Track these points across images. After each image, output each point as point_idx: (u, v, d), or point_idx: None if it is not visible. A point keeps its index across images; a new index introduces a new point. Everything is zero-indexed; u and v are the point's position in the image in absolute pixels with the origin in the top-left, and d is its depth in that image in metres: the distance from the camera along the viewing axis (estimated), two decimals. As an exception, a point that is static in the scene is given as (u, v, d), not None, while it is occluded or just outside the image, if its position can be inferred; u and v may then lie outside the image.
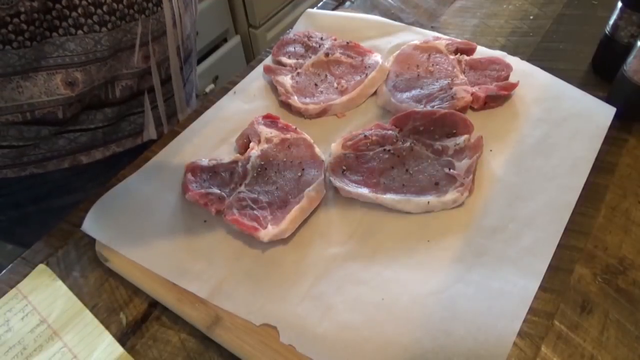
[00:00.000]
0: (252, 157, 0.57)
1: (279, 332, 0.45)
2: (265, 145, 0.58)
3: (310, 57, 0.69)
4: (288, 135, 0.59)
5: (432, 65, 0.66)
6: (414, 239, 0.51)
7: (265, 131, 0.59)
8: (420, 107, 0.61)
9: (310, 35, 0.73)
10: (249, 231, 0.51)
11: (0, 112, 0.57)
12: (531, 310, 0.45)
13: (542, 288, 0.46)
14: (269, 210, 0.52)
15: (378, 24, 0.75)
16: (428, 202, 0.52)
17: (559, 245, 0.49)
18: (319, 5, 0.84)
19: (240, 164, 0.57)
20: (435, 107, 0.61)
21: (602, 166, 0.56)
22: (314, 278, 0.48)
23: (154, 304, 0.49)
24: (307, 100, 0.65)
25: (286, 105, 0.65)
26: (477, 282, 0.47)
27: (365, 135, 0.58)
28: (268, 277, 0.49)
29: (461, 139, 0.56)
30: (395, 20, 0.77)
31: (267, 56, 0.73)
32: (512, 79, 0.64)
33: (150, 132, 0.72)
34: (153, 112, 0.71)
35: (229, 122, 0.64)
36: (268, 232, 0.50)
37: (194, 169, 0.57)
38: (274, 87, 0.67)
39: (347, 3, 0.84)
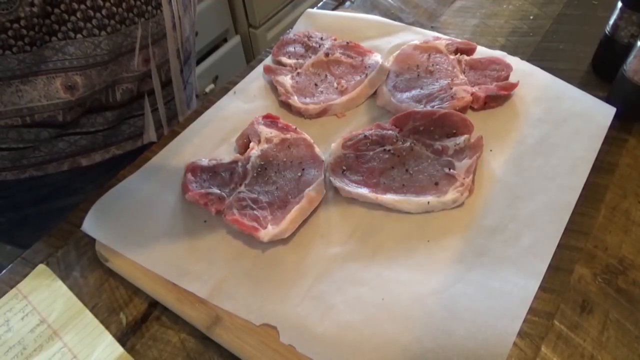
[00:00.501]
0: (252, 157, 0.57)
1: (279, 332, 0.45)
2: (265, 145, 0.58)
3: (310, 57, 0.69)
4: (288, 135, 0.59)
5: (432, 65, 0.66)
6: (414, 239, 0.51)
7: (265, 131, 0.59)
8: (420, 107, 0.61)
9: (310, 35, 0.73)
10: (249, 231, 0.51)
11: (0, 116, 0.57)
12: (531, 310, 0.45)
13: (542, 288, 0.46)
14: (269, 210, 0.52)
15: (378, 24, 0.75)
16: (428, 202, 0.52)
17: (559, 245, 0.49)
18: (319, 5, 0.84)
19: (240, 164, 0.57)
20: (435, 107, 0.61)
21: (602, 166, 0.56)
22: (314, 278, 0.48)
23: (154, 304, 0.49)
24: (307, 100, 0.65)
25: (286, 105, 0.65)
26: (477, 282, 0.47)
27: (365, 135, 0.58)
28: (268, 277, 0.49)
29: (461, 139, 0.56)
30: (395, 20, 0.77)
31: (267, 56, 0.73)
32: (512, 79, 0.64)
33: (151, 135, 0.72)
34: (153, 114, 0.71)
35: (229, 122, 0.64)
36: (268, 232, 0.50)
37: (194, 169, 0.57)
38: (274, 87, 0.67)
39: (347, 3, 0.84)
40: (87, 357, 0.46)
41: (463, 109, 0.61)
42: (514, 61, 0.67)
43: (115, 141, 0.69)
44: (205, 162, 0.57)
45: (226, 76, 1.33)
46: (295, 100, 0.64)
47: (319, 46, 0.71)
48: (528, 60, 0.67)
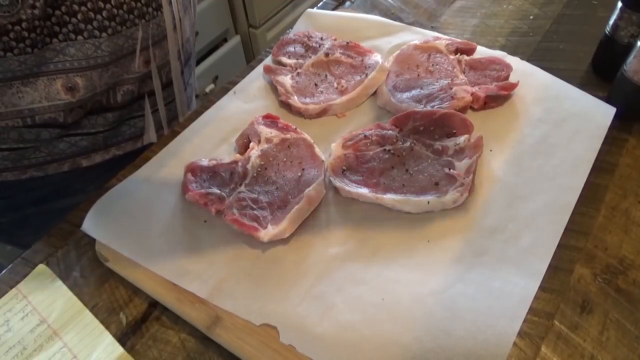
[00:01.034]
0: (252, 157, 0.57)
1: (279, 332, 0.45)
2: (265, 145, 0.58)
3: (310, 57, 0.69)
4: (288, 135, 0.59)
5: (432, 65, 0.66)
6: (414, 239, 0.51)
7: (265, 131, 0.59)
8: (420, 107, 0.61)
9: (310, 35, 0.73)
10: (249, 231, 0.51)
11: (1, 117, 0.57)
12: (531, 310, 0.45)
13: (542, 288, 0.46)
14: (269, 210, 0.52)
15: (378, 24, 0.75)
16: (428, 202, 0.52)
17: (559, 245, 0.49)
18: (319, 5, 0.84)
19: (240, 164, 0.57)
20: (435, 107, 0.61)
21: (602, 166, 0.56)
22: (314, 278, 0.48)
23: (154, 304, 0.49)
24: (307, 100, 0.65)
25: (286, 105, 0.65)
26: (477, 282, 0.47)
27: (365, 135, 0.58)
28: (268, 277, 0.49)
29: (461, 139, 0.56)
30: (395, 20, 0.77)
31: (267, 56, 0.73)
32: (512, 79, 0.64)
33: (151, 136, 0.72)
34: (153, 115, 0.71)
35: (229, 122, 0.64)
36: (268, 232, 0.50)
37: (194, 169, 0.57)
38: (274, 87, 0.67)
39: (347, 3, 0.84)
40: (87, 357, 0.46)
41: (463, 109, 0.61)
42: (514, 61, 0.67)
43: (115, 142, 0.69)
44: (205, 162, 0.57)
45: (226, 76, 1.33)
46: (295, 100, 0.64)
47: (319, 46, 0.71)
48: (528, 60, 0.67)
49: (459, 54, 0.68)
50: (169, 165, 0.59)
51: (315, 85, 0.66)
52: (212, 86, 1.49)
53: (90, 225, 0.53)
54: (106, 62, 0.59)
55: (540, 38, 0.74)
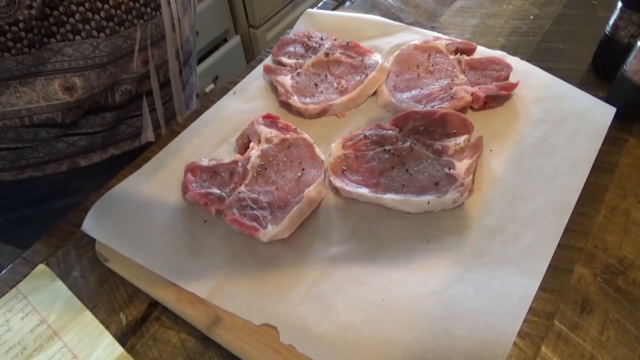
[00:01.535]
0: (252, 157, 0.57)
1: (279, 332, 0.45)
2: (265, 145, 0.58)
3: (310, 57, 0.69)
4: (288, 135, 0.59)
5: (432, 65, 0.66)
6: (414, 239, 0.51)
7: (265, 131, 0.59)
8: (420, 107, 0.61)
9: (310, 35, 0.73)
10: (249, 231, 0.51)
11: None
12: (531, 310, 0.45)
13: (542, 288, 0.46)
14: (269, 210, 0.52)
15: (378, 24, 0.75)
16: (428, 202, 0.52)
17: (559, 245, 0.49)
18: (319, 5, 0.84)
19: (240, 164, 0.57)
20: (435, 107, 0.61)
21: (602, 166, 0.56)
22: (314, 278, 0.48)
23: (154, 304, 0.49)
24: (307, 100, 0.65)
25: (286, 105, 0.65)
26: (477, 282, 0.47)
27: (365, 135, 0.58)
28: (268, 277, 0.49)
29: (461, 139, 0.56)
30: (395, 20, 0.77)
31: (267, 56, 0.73)
32: (512, 79, 0.64)
33: (149, 135, 0.72)
34: (151, 115, 0.71)
35: (229, 122, 0.64)
36: (268, 232, 0.50)
37: (194, 169, 0.57)
38: (274, 87, 0.67)
39: (347, 3, 0.84)
40: (87, 357, 0.46)
41: (463, 109, 0.61)
42: (514, 61, 0.67)
43: (113, 141, 0.69)
44: (205, 162, 0.57)
45: (226, 76, 1.33)
46: (295, 100, 0.64)
47: (319, 46, 0.71)
48: (528, 60, 0.67)
49: (459, 54, 0.68)
50: (169, 165, 0.59)
51: (315, 85, 0.66)
52: (212, 86, 1.49)
53: (90, 225, 0.53)
54: (104, 63, 0.59)
55: (540, 38, 0.74)
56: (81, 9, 0.55)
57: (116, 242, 0.52)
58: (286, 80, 0.67)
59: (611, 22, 0.63)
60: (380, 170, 0.56)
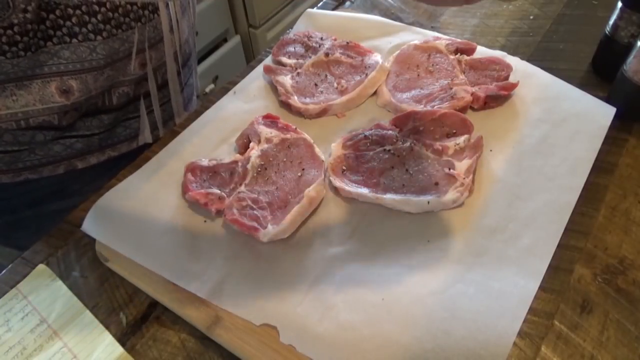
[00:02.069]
0: (252, 157, 0.57)
1: (279, 332, 0.45)
2: (265, 145, 0.58)
3: (310, 57, 0.69)
4: (288, 135, 0.59)
5: (432, 65, 0.66)
6: (414, 239, 0.51)
7: (265, 131, 0.59)
8: (420, 107, 0.61)
9: (310, 35, 0.73)
10: (249, 231, 0.51)
11: None
12: (531, 310, 0.45)
13: (542, 288, 0.46)
14: (269, 210, 0.52)
15: (378, 24, 0.75)
16: (428, 202, 0.52)
17: (559, 245, 0.49)
18: (319, 5, 0.84)
19: (240, 164, 0.57)
20: (435, 107, 0.61)
21: (602, 166, 0.56)
22: (314, 278, 0.48)
23: (154, 304, 0.49)
24: (307, 100, 0.65)
25: (286, 105, 0.65)
26: (477, 282, 0.47)
27: (365, 135, 0.58)
28: (268, 277, 0.49)
29: (461, 139, 0.56)
30: (395, 20, 0.77)
31: (267, 56, 0.73)
32: (512, 79, 0.64)
33: (146, 136, 0.72)
34: (149, 116, 0.71)
35: (229, 122, 0.64)
36: (268, 232, 0.50)
37: (194, 169, 0.57)
38: (274, 87, 0.67)
39: (347, 3, 0.84)
40: (87, 357, 0.46)
41: (463, 109, 0.61)
42: (514, 61, 0.67)
43: (110, 143, 0.69)
44: (205, 162, 0.57)
45: (226, 76, 1.33)
46: (295, 100, 0.64)
47: (319, 46, 0.71)
48: (528, 60, 0.67)
49: (459, 54, 0.68)
50: (169, 165, 0.59)
51: (315, 85, 0.66)
52: (212, 86, 1.49)
53: (90, 225, 0.53)
54: (101, 65, 0.59)
55: (540, 38, 0.74)
56: (78, 12, 0.54)
57: (116, 242, 0.52)
58: (286, 80, 0.67)
59: (611, 22, 0.63)
60: (380, 170, 0.56)
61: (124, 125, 0.69)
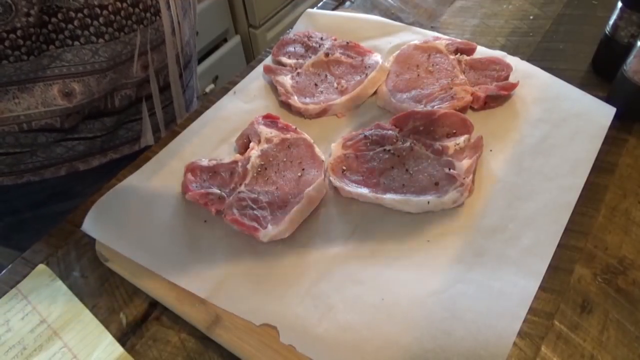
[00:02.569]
0: (252, 157, 0.57)
1: (279, 332, 0.45)
2: (265, 145, 0.58)
3: (310, 57, 0.69)
4: (288, 135, 0.59)
5: (432, 65, 0.66)
6: (414, 239, 0.51)
7: (265, 131, 0.59)
8: (420, 107, 0.61)
9: (310, 35, 0.73)
10: (249, 231, 0.51)
11: None
12: (531, 310, 0.45)
13: (542, 288, 0.46)
14: (269, 210, 0.52)
15: (378, 24, 0.75)
16: (428, 202, 0.52)
17: (559, 245, 0.49)
18: (319, 5, 0.84)
19: (240, 164, 0.57)
20: (435, 107, 0.61)
21: (602, 166, 0.56)
22: (314, 278, 0.48)
23: (154, 304, 0.49)
24: (307, 100, 0.65)
25: (286, 105, 0.65)
26: (477, 282, 0.47)
27: (365, 135, 0.58)
28: (268, 277, 0.49)
29: (461, 139, 0.56)
30: (395, 20, 0.77)
31: (267, 56, 0.73)
32: (512, 79, 0.64)
33: (148, 139, 0.72)
34: (151, 119, 0.71)
35: (229, 122, 0.64)
36: (268, 232, 0.50)
37: (194, 169, 0.57)
38: (274, 87, 0.67)
39: (347, 3, 0.84)
40: (87, 357, 0.46)
41: (463, 109, 0.61)
42: (514, 61, 0.67)
43: (112, 146, 0.69)
44: (205, 162, 0.57)
45: (226, 76, 1.33)
46: (295, 100, 0.64)
47: (319, 46, 0.71)
48: (528, 60, 0.67)
49: (459, 54, 0.68)
50: (169, 165, 0.59)
51: (315, 85, 0.66)
52: (212, 86, 1.49)
53: (90, 225, 0.53)
54: (104, 68, 0.59)
55: (540, 38, 0.74)
56: (80, 15, 0.54)
57: (116, 242, 0.52)
58: (286, 80, 0.67)
59: (611, 22, 0.63)
60: (380, 170, 0.56)
61: (126, 128, 0.69)
